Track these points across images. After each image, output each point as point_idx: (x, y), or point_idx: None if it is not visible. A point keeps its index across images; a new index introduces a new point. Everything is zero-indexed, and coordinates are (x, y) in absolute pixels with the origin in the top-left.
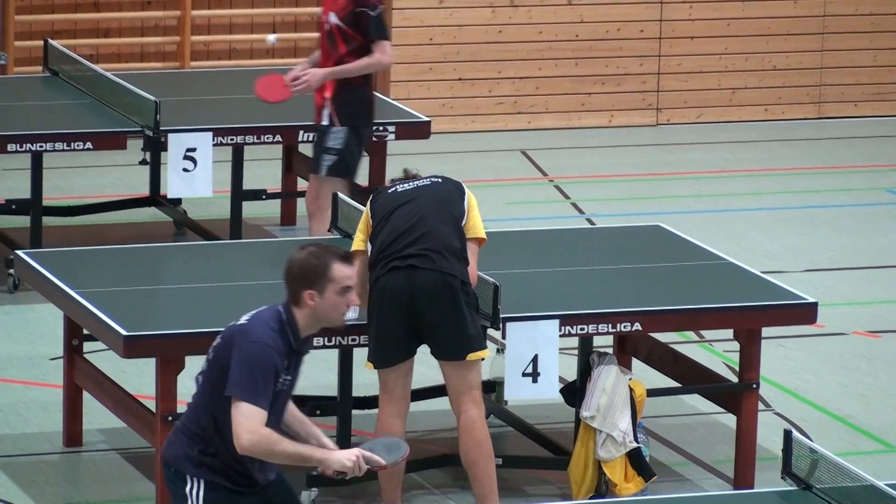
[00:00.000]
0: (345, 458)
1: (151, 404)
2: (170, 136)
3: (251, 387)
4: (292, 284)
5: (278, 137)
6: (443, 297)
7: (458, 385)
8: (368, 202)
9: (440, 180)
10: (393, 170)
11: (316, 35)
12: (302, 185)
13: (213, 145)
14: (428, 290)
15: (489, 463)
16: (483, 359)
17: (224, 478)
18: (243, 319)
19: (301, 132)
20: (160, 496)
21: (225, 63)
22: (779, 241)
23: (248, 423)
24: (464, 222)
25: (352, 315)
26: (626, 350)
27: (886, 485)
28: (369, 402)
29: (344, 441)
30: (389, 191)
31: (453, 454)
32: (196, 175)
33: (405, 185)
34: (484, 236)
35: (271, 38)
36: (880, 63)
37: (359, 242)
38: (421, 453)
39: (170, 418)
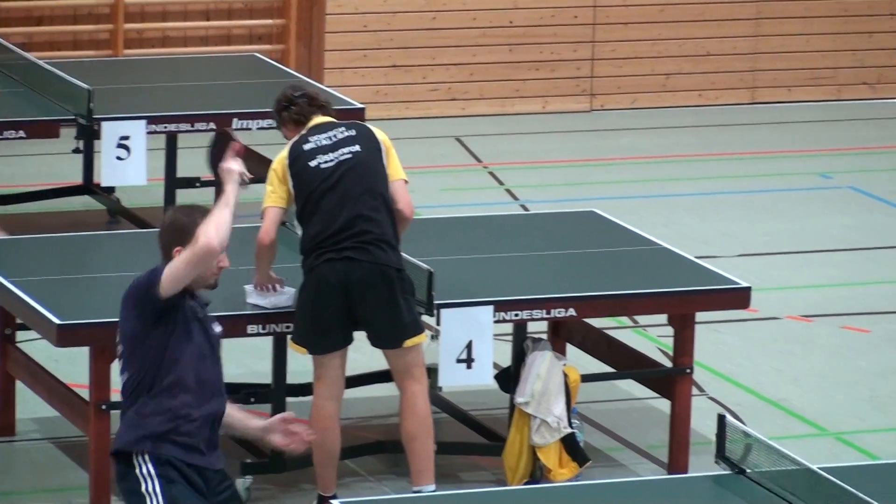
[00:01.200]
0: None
1: (85, 393)
2: (103, 124)
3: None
4: (164, 243)
5: (212, 125)
6: (379, 289)
7: (399, 366)
8: (285, 158)
9: (356, 142)
10: None
11: (248, 21)
12: None
13: (147, 133)
14: (364, 282)
15: (428, 439)
16: (421, 343)
17: (173, 445)
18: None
19: (235, 119)
20: (94, 485)
21: (158, 51)
22: (713, 227)
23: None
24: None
25: (286, 303)
26: (560, 336)
27: (820, 468)
28: (304, 390)
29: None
30: (306, 147)
31: (388, 440)
32: (129, 163)
33: (322, 139)
34: (405, 177)
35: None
36: (814, 48)
37: (276, 199)
38: (355, 440)
39: (103, 406)
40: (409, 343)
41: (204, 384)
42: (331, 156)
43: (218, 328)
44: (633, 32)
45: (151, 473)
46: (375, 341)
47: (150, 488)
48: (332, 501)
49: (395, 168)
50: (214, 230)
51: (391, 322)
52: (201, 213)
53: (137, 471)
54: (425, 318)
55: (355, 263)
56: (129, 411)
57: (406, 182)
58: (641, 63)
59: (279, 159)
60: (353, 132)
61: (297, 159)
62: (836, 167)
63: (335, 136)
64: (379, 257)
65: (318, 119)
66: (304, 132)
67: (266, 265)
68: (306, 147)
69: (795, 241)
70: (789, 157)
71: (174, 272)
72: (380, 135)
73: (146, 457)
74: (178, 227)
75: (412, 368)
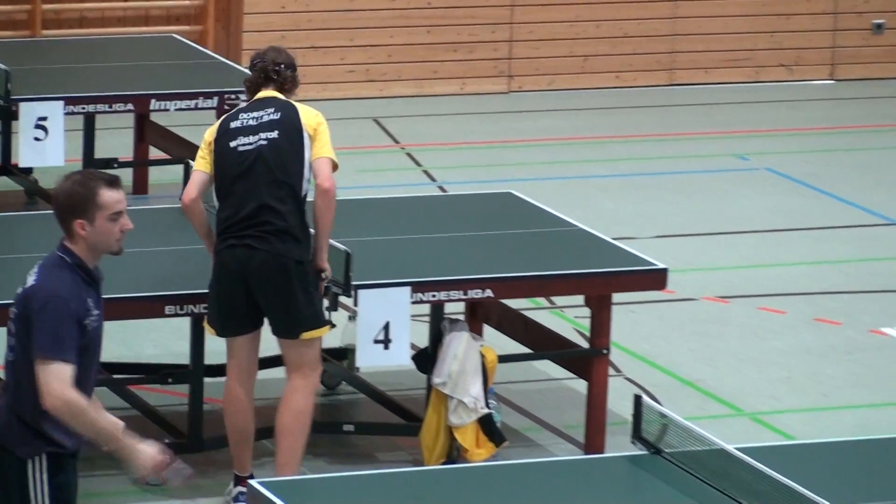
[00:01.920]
0: (151, 456)
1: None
2: (21, 105)
3: (55, 344)
4: (62, 216)
5: (130, 106)
6: (276, 279)
7: (290, 357)
8: (214, 131)
9: (276, 127)
10: None
11: (166, 2)
12: (154, 153)
13: (65, 114)
14: (261, 271)
15: (300, 436)
16: (318, 337)
17: (62, 434)
18: (30, 280)
19: (153, 101)
20: None
21: (76, 31)
22: (630, 208)
23: (54, 383)
24: (308, 153)
25: None
26: (477, 317)
27: (735, 448)
28: (221, 370)
29: (196, 409)
30: (232, 126)
31: None
32: (48, 144)
33: (249, 118)
34: (330, 156)
35: None
36: (731, 30)
37: (203, 165)
38: (273, 421)
39: None
40: (305, 336)
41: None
42: (251, 139)
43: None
44: (550, 14)
45: (45, 483)
46: (274, 329)
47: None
48: (249, 481)
49: (319, 148)
50: (66, 401)
51: (286, 312)
52: (99, 178)
53: (29, 471)
54: (343, 300)
55: (254, 252)
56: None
57: (333, 161)
58: (559, 45)
59: (210, 130)
60: (277, 115)
61: (222, 137)
62: (752, 149)
63: (261, 117)
64: (278, 248)
65: (263, 93)
66: (241, 106)
67: (198, 227)
68: (232, 125)
69: (712, 222)
70: (706, 139)
71: (61, 386)
72: (307, 118)
73: (42, 459)
74: (76, 198)
75: (303, 363)
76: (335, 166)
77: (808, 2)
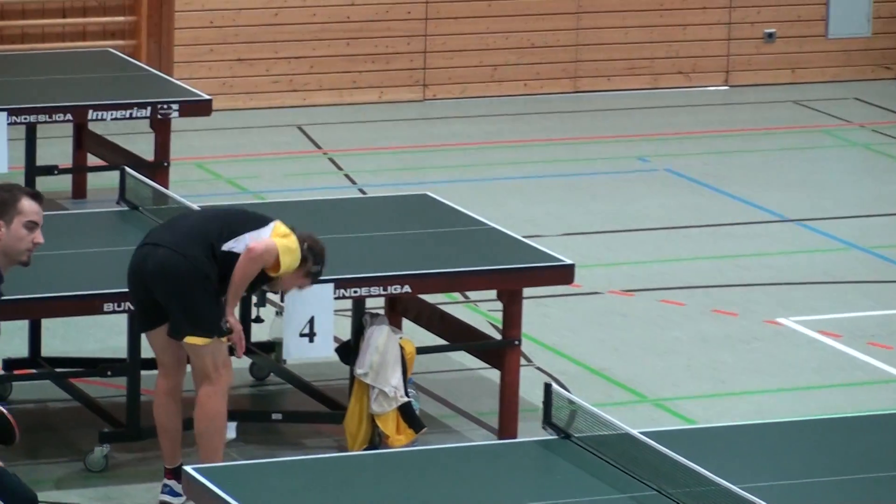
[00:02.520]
0: None
1: None
2: None
3: None
4: None
5: (69, 116)
6: (167, 282)
7: (193, 363)
8: None
9: None
10: (176, 147)
11: (102, 18)
12: (91, 160)
13: (8, 124)
14: (154, 273)
15: (215, 436)
16: (206, 345)
17: None
18: None
19: (90, 111)
20: None
21: (18, 46)
22: (538, 208)
23: None
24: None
25: None
26: (396, 311)
27: (639, 432)
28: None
29: (133, 400)
30: None
31: (234, 410)
32: None
33: None
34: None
35: None
36: (631, 40)
37: None
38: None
39: None
40: (188, 340)
41: None
42: None
43: None
44: (462, 27)
45: None
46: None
47: None
48: (183, 467)
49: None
50: None
51: (175, 314)
52: (22, 190)
53: None
54: (270, 296)
55: (154, 250)
56: None
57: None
58: (470, 55)
59: None
60: None
61: None
62: (653, 151)
63: None
64: (172, 251)
65: None
66: None
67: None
68: None
69: (616, 220)
70: (609, 142)
71: None
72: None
73: None
74: None
75: (203, 369)
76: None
77: (704, 13)
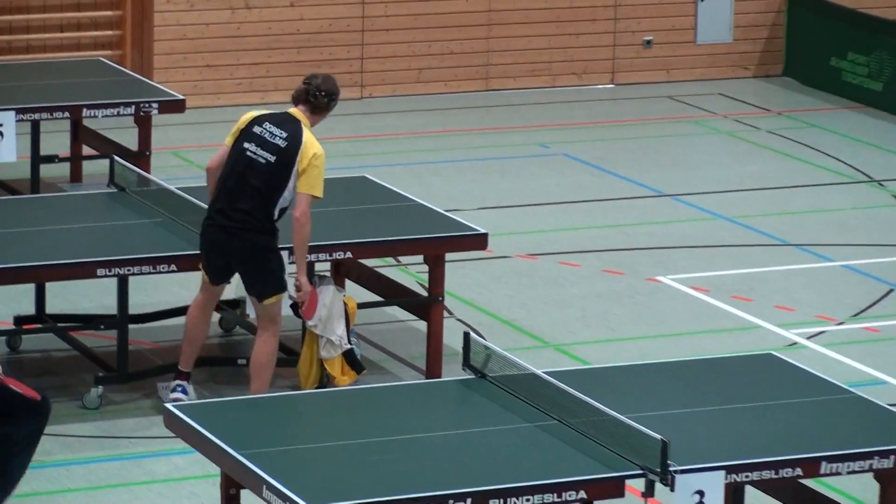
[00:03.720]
0: None
1: None
2: None
3: None
4: None
5: (67, 114)
6: (243, 255)
7: (256, 314)
8: (245, 121)
9: (277, 153)
10: (156, 138)
11: (94, 33)
12: (86, 150)
13: (16, 121)
14: (234, 249)
15: (267, 369)
16: (268, 303)
17: None
18: None
19: (85, 109)
20: None
21: (23, 56)
22: (457, 187)
23: None
24: (291, 183)
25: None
26: (340, 273)
27: (543, 372)
28: (141, 319)
29: (123, 349)
30: (254, 130)
31: (207, 356)
32: (3, 145)
33: (265, 132)
34: (309, 191)
35: None
36: (534, 46)
37: (229, 140)
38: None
39: None
40: (259, 300)
41: None
42: (259, 151)
43: None
44: (393, 37)
45: None
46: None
47: None
48: (172, 397)
49: (302, 183)
50: None
51: (249, 280)
52: None
53: None
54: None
55: (230, 237)
56: None
57: (312, 196)
58: (400, 60)
59: (244, 119)
60: (283, 144)
61: (242, 133)
62: (552, 139)
63: (273, 137)
64: (244, 237)
65: (293, 110)
66: (272, 113)
67: (209, 189)
68: (254, 129)
69: (522, 196)
70: (516, 132)
71: None
72: (302, 156)
73: None
74: None
75: (261, 321)
76: (315, 199)
77: (593, 23)
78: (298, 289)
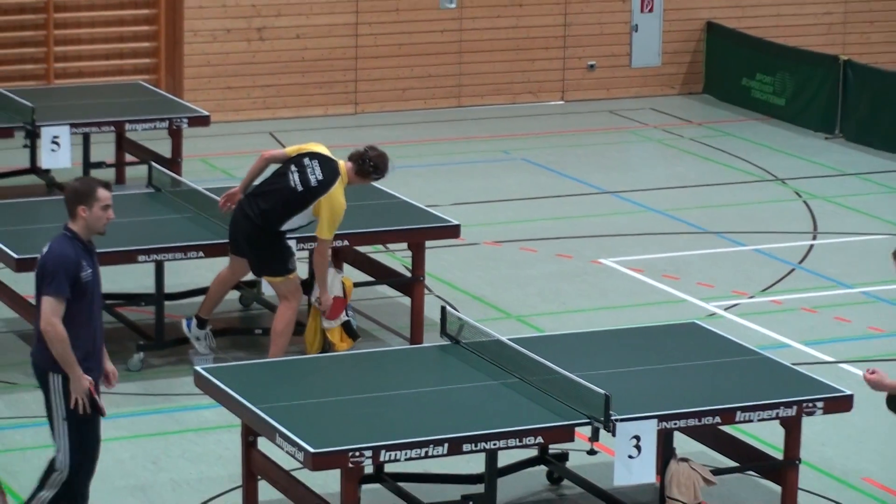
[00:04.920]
0: (77, 386)
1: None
2: (42, 129)
3: (54, 284)
4: (70, 203)
5: (112, 128)
6: (249, 240)
7: (275, 290)
8: (310, 149)
9: (304, 186)
10: (186, 147)
11: (133, 61)
12: (128, 157)
13: (71, 134)
14: (243, 229)
15: (283, 337)
16: (277, 281)
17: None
18: (45, 249)
19: (127, 124)
20: None
21: (76, 80)
22: (435, 186)
23: (48, 312)
24: (303, 216)
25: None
26: (339, 258)
27: (507, 338)
28: (175, 296)
29: (160, 322)
30: (304, 160)
31: (229, 328)
32: (60, 153)
33: (308, 164)
34: (319, 234)
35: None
36: (497, 70)
37: (288, 151)
38: (219, 324)
39: None
40: (267, 279)
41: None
42: (296, 176)
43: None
44: (381, 62)
45: (59, 385)
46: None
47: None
48: (197, 361)
49: (318, 227)
50: (52, 326)
51: (252, 262)
52: (97, 181)
53: (49, 382)
54: None
55: (246, 221)
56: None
57: (325, 241)
58: (387, 82)
59: (310, 145)
60: (313, 181)
61: (298, 156)
62: (512, 147)
63: (312, 171)
64: (255, 218)
65: (341, 162)
66: (321, 153)
67: (250, 171)
68: (304, 160)
69: (488, 193)
70: (483, 141)
71: (45, 311)
72: (320, 203)
73: (58, 376)
74: (81, 192)
75: (278, 297)
76: (325, 241)
77: (546, 50)
78: (320, 302)
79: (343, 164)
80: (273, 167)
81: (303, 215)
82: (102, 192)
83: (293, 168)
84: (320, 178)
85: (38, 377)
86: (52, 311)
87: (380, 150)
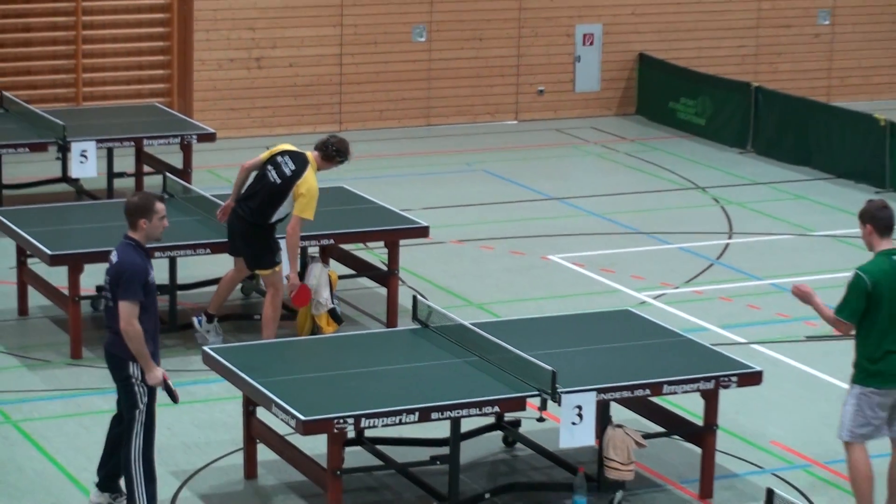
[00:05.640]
0: (153, 377)
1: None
2: (72, 144)
3: (130, 291)
4: (131, 216)
5: (132, 143)
6: (243, 236)
7: (263, 280)
8: (279, 150)
9: (281, 178)
10: (195, 160)
11: (149, 86)
12: (146, 168)
13: (97, 148)
14: (235, 227)
15: (271, 323)
16: (265, 274)
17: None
18: (114, 258)
19: (144, 139)
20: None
21: (101, 102)
22: (407, 194)
23: (127, 315)
24: (286, 204)
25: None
26: (326, 254)
27: (469, 323)
28: (186, 287)
29: (173, 307)
30: (278, 159)
31: (232, 314)
32: (87, 164)
33: (283, 161)
34: (300, 213)
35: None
36: (461, 94)
37: (263, 155)
38: (223, 311)
39: (77, 298)
40: (259, 272)
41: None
42: (273, 173)
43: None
44: (363, 87)
45: (138, 372)
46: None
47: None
48: (204, 341)
49: (297, 207)
50: (132, 328)
51: (245, 256)
52: (154, 196)
53: (129, 370)
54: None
55: (238, 220)
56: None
57: (301, 217)
58: (367, 104)
59: (273, 150)
60: (289, 173)
61: (269, 160)
62: (474, 160)
63: (287, 164)
64: (248, 217)
65: (309, 153)
66: (291, 150)
67: (237, 182)
68: (277, 159)
69: (453, 199)
70: (449, 155)
71: (124, 314)
72: (297, 187)
73: (137, 364)
74: (141, 206)
75: (266, 286)
76: (305, 220)
77: (502, 77)
78: (288, 278)
79: (311, 154)
80: (254, 175)
81: (286, 203)
82: (159, 205)
83: (269, 167)
84: (293, 168)
85: (116, 366)
86: (130, 313)
87: (340, 136)
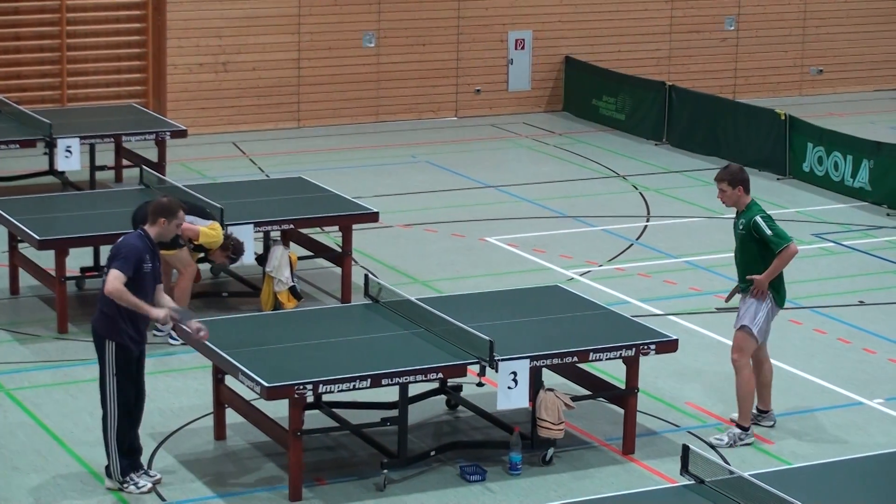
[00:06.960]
0: (158, 313)
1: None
2: (58, 140)
3: (121, 262)
4: (154, 212)
5: (112, 139)
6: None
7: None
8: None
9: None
10: (169, 154)
11: (128, 88)
12: (125, 162)
13: (80, 144)
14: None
15: (184, 297)
16: (170, 254)
17: (126, 337)
18: (119, 239)
19: (123, 136)
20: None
21: (85, 102)
22: (361, 184)
23: (113, 278)
24: None
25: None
26: (286, 237)
27: (416, 299)
28: None
29: None
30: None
31: (202, 292)
32: (71, 159)
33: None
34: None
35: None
36: (407, 94)
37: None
38: (195, 289)
39: (63, 279)
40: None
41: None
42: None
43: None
44: (317, 89)
45: (113, 352)
46: None
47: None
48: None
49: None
50: (115, 289)
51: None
52: (180, 204)
53: (105, 347)
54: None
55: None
56: (103, 311)
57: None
58: (324, 103)
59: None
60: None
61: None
62: (419, 152)
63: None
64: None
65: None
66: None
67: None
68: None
69: (400, 188)
70: (395, 148)
71: (111, 278)
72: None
73: (112, 343)
74: (167, 207)
75: (176, 265)
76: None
77: (444, 78)
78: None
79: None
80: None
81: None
82: (181, 214)
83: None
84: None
85: (96, 342)
86: (116, 277)
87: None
